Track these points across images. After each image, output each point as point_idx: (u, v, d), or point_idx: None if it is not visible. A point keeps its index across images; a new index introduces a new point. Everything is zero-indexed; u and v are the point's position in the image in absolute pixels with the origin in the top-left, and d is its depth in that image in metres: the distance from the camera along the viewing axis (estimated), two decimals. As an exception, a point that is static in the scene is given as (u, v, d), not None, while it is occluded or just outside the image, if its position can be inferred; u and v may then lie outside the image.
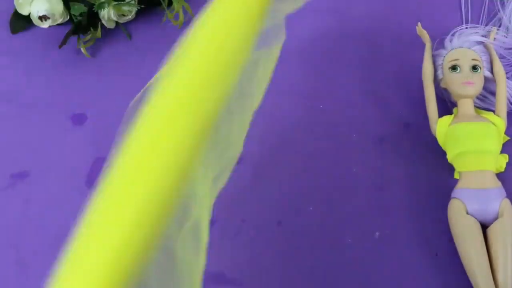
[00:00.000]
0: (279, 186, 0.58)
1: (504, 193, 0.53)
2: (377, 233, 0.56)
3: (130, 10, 0.65)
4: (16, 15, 0.67)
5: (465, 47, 0.59)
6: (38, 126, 0.61)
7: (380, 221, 0.56)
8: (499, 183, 0.53)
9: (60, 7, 0.64)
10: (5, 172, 0.59)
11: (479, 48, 0.59)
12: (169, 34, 0.67)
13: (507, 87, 0.58)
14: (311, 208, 0.56)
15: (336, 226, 0.55)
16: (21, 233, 0.56)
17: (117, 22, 0.67)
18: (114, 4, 0.64)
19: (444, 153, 0.57)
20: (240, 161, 0.59)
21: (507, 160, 0.57)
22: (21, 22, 0.67)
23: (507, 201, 0.52)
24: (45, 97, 0.63)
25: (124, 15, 0.66)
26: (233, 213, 0.57)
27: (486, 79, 0.58)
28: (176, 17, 0.67)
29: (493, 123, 0.56)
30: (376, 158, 0.60)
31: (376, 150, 0.60)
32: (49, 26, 0.65)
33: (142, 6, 0.66)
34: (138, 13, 0.67)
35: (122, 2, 0.64)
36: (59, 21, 0.65)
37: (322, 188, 0.57)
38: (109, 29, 0.67)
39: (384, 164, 0.59)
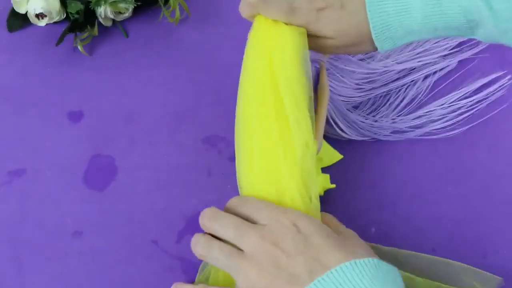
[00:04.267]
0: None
1: None
2: (373, 229, 0.56)
3: (127, 8, 0.65)
4: (13, 14, 0.67)
5: None
6: (35, 124, 0.62)
7: (376, 217, 0.56)
8: None
9: (56, 5, 0.64)
10: (2, 169, 0.59)
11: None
12: (166, 31, 0.68)
13: None
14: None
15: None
16: (18, 229, 0.56)
17: (113, 20, 0.67)
18: (111, 2, 0.64)
19: (439, 151, 0.58)
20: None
21: None
22: (18, 21, 0.67)
23: None
24: (42, 95, 0.63)
25: (120, 13, 0.66)
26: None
27: None
28: (173, 14, 0.68)
29: None
30: (373, 157, 0.60)
31: (372, 149, 0.60)
32: (46, 24, 0.65)
33: (139, 3, 0.66)
34: (134, 10, 0.67)
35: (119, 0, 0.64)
36: (56, 19, 0.65)
37: (319, 185, 0.57)
38: (106, 27, 0.67)
39: (380, 161, 0.60)
